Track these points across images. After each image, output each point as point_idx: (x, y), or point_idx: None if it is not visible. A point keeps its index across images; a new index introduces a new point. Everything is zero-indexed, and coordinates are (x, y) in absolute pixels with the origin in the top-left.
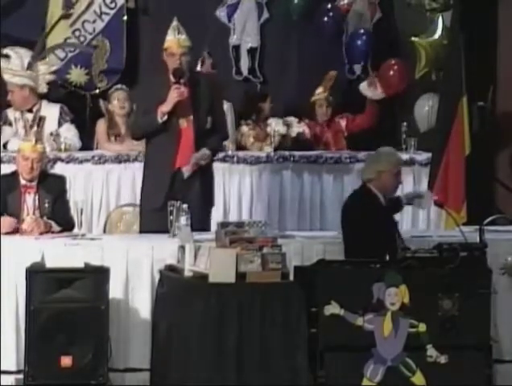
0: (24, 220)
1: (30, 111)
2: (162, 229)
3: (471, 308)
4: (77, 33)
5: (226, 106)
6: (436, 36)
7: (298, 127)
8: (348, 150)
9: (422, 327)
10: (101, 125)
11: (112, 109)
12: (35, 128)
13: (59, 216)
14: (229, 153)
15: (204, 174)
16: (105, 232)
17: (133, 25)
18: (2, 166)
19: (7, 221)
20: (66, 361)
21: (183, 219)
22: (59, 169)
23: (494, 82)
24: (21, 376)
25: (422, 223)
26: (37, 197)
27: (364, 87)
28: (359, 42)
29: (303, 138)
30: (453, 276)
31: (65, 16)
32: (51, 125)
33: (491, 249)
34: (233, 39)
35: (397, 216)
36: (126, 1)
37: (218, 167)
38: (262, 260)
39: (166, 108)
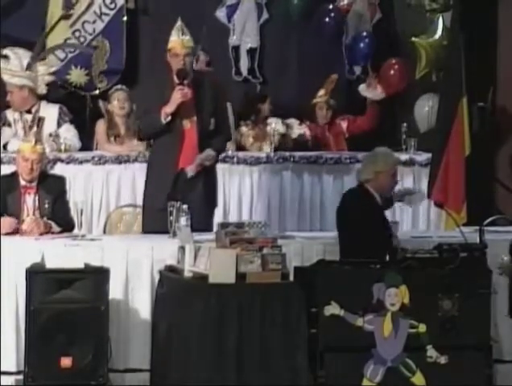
0: (24, 221)
1: (29, 112)
2: (164, 230)
3: (471, 308)
4: (77, 33)
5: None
6: (436, 36)
7: (299, 129)
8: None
9: (422, 328)
10: (100, 126)
11: (112, 110)
12: (35, 128)
13: (59, 217)
14: (229, 153)
15: (208, 175)
16: (105, 232)
17: (133, 25)
18: (2, 166)
19: (7, 221)
20: (66, 362)
21: (183, 220)
22: (59, 169)
23: (494, 82)
24: (21, 377)
25: (422, 224)
26: (37, 198)
27: (363, 88)
28: (361, 44)
29: (304, 140)
30: (453, 276)
31: (65, 17)
32: (50, 125)
33: (491, 250)
34: (233, 40)
35: (397, 217)
36: (126, 1)
37: (218, 168)
38: (262, 260)
39: (169, 109)
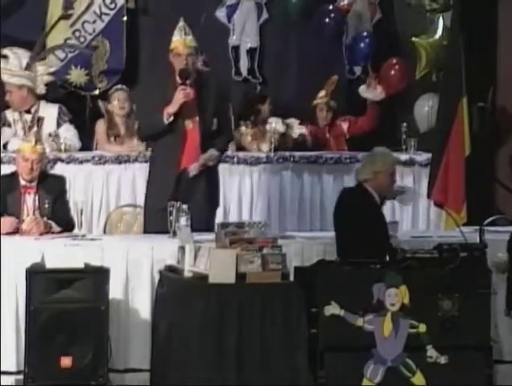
0: (24, 221)
1: (28, 112)
2: (166, 230)
3: (471, 308)
4: (77, 33)
5: None
6: (437, 36)
7: (299, 128)
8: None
9: (422, 328)
10: (100, 126)
11: (111, 110)
12: (35, 129)
13: (59, 217)
14: (229, 153)
15: (210, 175)
16: (105, 232)
17: (133, 25)
18: (2, 166)
19: (8, 221)
20: (66, 362)
21: (183, 220)
22: (59, 169)
23: (494, 82)
24: (21, 377)
25: (422, 224)
26: (37, 197)
27: (363, 90)
28: (362, 44)
29: (304, 139)
30: (453, 276)
31: (65, 17)
32: (49, 125)
33: (491, 250)
34: (233, 40)
35: (397, 217)
36: (126, 1)
37: (218, 168)
38: (262, 260)
39: (172, 109)
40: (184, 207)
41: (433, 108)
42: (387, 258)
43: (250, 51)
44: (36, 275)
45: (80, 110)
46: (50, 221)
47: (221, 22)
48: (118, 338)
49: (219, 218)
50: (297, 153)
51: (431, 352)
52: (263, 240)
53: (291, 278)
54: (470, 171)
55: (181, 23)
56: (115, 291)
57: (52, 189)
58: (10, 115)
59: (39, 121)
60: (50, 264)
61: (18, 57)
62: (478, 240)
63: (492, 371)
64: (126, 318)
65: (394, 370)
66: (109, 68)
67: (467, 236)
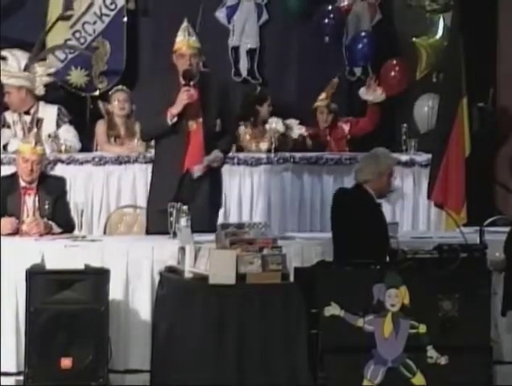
0: (24, 222)
1: (27, 113)
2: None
3: (471, 309)
4: (77, 34)
5: None
6: (437, 37)
7: (298, 129)
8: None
9: (422, 328)
10: (100, 127)
11: (112, 110)
12: (35, 130)
13: (60, 218)
14: (230, 154)
15: (213, 176)
16: (105, 233)
17: (133, 26)
18: (2, 167)
19: (9, 222)
20: (66, 362)
21: (184, 221)
22: (59, 170)
23: (494, 83)
24: (21, 378)
25: (422, 225)
26: (37, 199)
27: (363, 92)
28: (360, 45)
29: (304, 140)
30: (453, 277)
31: (64, 17)
32: (48, 126)
33: (491, 250)
34: (233, 40)
35: (397, 217)
36: (127, 2)
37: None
38: (262, 261)
39: (175, 110)
40: (184, 207)
41: (433, 109)
42: (387, 259)
43: (250, 52)
44: (36, 276)
45: (81, 111)
46: (50, 222)
47: (221, 22)
48: (118, 339)
49: (219, 219)
50: (297, 154)
51: (431, 353)
52: (263, 241)
53: (291, 279)
54: (470, 172)
55: (185, 24)
56: (115, 292)
57: (52, 190)
58: (9, 116)
59: (39, 122)
60: (50, 265)
61: (16, 58)
62: (478, 241)
63: (492, 371)
64: (126, 319)
65: (395, 370)
66: (109, 69)
67: (467, 236)
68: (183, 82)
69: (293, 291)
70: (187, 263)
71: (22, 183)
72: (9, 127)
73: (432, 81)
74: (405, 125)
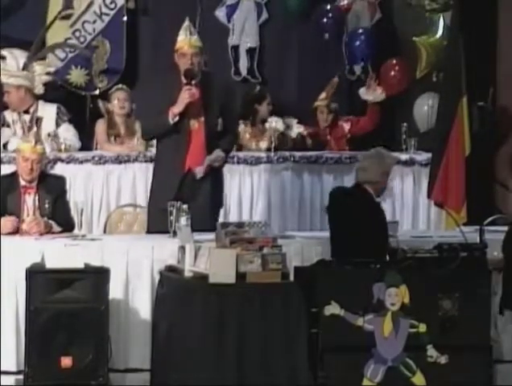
0: (24, 221)
1: (27, 112)
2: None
3: (471, 308)
4: (77, 33)
5: None
6: (437, 36)
7: (297, 128)
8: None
9: (422, 327)
10: (100, 126)
11: (112, 109)
12: (34, 129)
13: (60, 217)
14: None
15: (215, 176)
16: (105, 232)
17: (133, 25)
18: (2, 166)
19: (9, 221)
20: (66, 361)
21: (184, 220)
22: (59, 169)
23: (494, 82)
24: (21, 377)
25: (422, 224)
26: (37, 198)
27: (363, 92)
28: (358, 42)
29: (303, 139)
30: (453, 276)
31: (64, 16)
32: (48, 125)
33: (491, 249)
34: (232, 39)
35: (397, 216)
36: (126, 1)
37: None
38: (262, 260)
39: (177, 109)
40: (184, 206)
41: (433, 108)
42: (387, 258)
43: (250, 51)
44: (36, 275)
45: (80, 110)
46: (50, 221)
47: (221, 21)
48: (118, 338)
49: (219, 218)
50: (297, 153)
51: (431, 352)
52: (263, 240)
53: (291, 278)
54: (470, 171)
55: (186, 23)
56: (115, 291)
57: (52, 189)
58: (8, 115)
59: (38, 120)
60: (50, 264)
61: (15, 57)
62: (478, 240)
63: (492, 370)
64: (126, 318)
65: (395, 370)
66: (109, 68)
67: (467, 235)
68: (184, 81)
69: (293, 290)
70: (187, 262)
71: (22, 182)
72: (8, 126)
73: (432, 80)
74: (405, 124)
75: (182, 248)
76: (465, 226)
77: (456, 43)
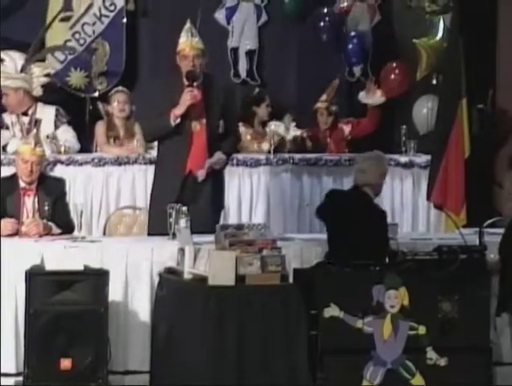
0: (24, 223)
1: (25, 114)
2: None
3: (471, 310)
4: (77, 35)
5: None
6: (437, 38)
7: (294, 131)
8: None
9: (421, 330)
10: (99, 128)
11: (111, 111)
12: (34, 131)
13: (59, 219)
14: None
15: (216, 178)
16: (104, 234)
17: (132, 27)
18: (2, 168)
19: (9, 223)
20: (66, 363)
21: (183, 222)
22: (58, 171)
23: (494, 84)
24: (20, 379)
25: (421, 226)
26: (36, 200)
27: (363, 96)
28: (360, 46)
29: (301, 141)
30: (453, 278)
31: (64, 18)
32: (47, 127)
33: (490, 252)
34: (232, 42)
35: (396, 219)
36: (126, 3)
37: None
38: (262, 262)
39: (179, 111)
40: (184, 208)
41: (432, 110)
42: (387, 260)
43: (249, 53)
44: (36, 277)
45: (80, 112)
46: (50, 223)
47: (220, 23)
48: (118, 340)
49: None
50: (297, 155)
51: (430, 354)
52: (263, 242)
53: (291, 280)
54: (470, 173)
55: (188, 25)
56: (115, 293)
57: (52, 191)
58: (7, 118)
59: (37, 122)
60: (49, 266)
61: (13, 60)
62: (478, 242)
63: (491, 372)
64: (126, 320)
65: (394, 372)
66: (108, 70)
67: (466, 237)
68: (186, 83)
69: (292, 292)
70: (186, 264)
71: (22, 184)
72: (7, 128)
73: (432, 83)
74: (404, 126)
75: (181, 250)
76: (465, 228)
77: (456, 45)
